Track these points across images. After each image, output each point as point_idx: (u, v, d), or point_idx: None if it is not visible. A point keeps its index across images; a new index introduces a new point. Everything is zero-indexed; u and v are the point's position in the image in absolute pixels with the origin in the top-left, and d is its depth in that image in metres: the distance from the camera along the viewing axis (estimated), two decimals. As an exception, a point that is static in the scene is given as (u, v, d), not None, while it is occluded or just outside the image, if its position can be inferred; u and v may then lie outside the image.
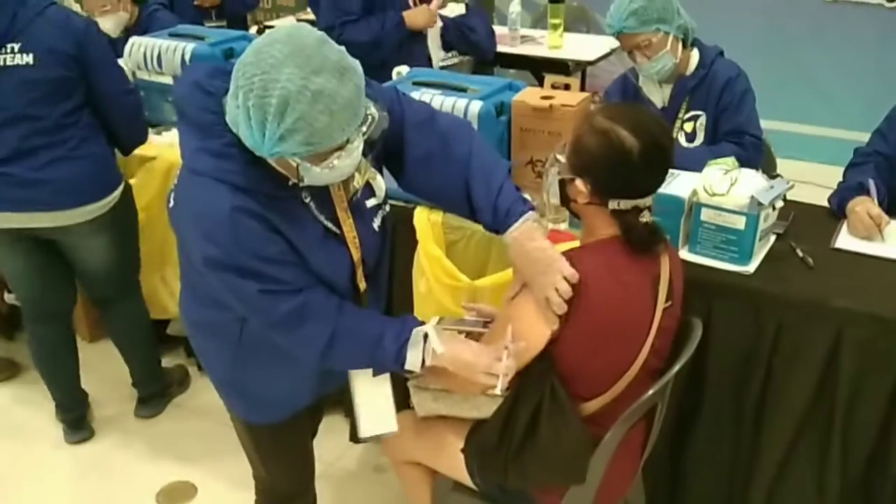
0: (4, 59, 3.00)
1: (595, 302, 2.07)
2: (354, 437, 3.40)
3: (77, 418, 3.71)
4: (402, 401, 2.41)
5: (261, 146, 1.78)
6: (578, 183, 2.13)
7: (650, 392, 2.17)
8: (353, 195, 2.09)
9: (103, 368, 3.92)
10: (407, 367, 2.08)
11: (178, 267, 2.27)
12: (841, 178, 3.07)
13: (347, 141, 1.84)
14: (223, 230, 1.88)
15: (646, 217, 2.14)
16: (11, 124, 3.06)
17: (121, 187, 3.34)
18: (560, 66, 5.17)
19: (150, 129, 3.50)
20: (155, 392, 3.86)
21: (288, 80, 1.71)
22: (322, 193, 2.03)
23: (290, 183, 1.92)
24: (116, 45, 3.92)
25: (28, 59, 3.01)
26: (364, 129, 1.87)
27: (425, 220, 2.91)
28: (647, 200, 2.15)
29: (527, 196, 2.23)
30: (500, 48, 5.16)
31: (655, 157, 2.10)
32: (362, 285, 2.19)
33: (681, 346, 2.29)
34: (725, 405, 2.65)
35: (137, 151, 3.50)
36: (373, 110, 1.89)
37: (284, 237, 1.95)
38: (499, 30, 5.19)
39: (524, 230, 2.13)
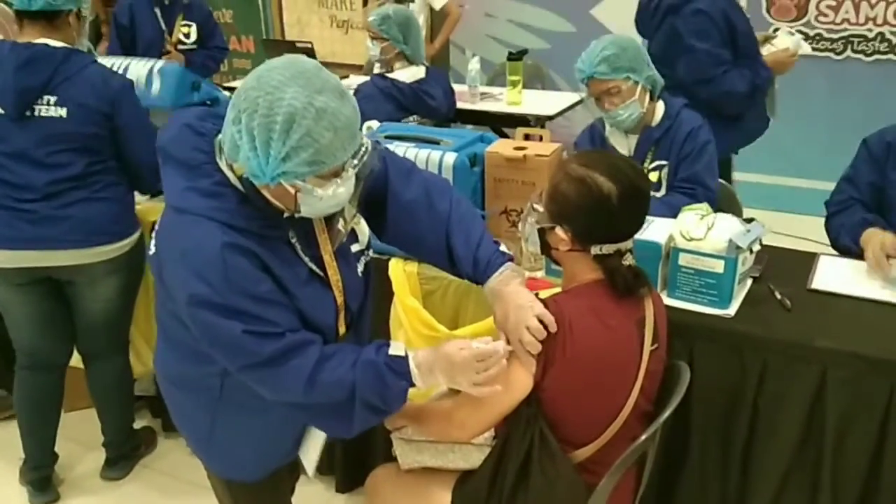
0: (39, 110, 3.05)
1: (581, 345, 2.02)
2: (340, 488, 3.42)
3: (43, 479, 3.55)
4: (385, 453, 2.32)
5: (264, 169, 1.73)
6: (559, 231, 2.10)
7: (642, 438, 2.11)
8: (339, 241, 2.05)
9: (66, 430, 3.73)
10: (392, 352, 1.98)
11: (152, 322, 2.19)
12: (826, 232, 3.11)
13: (344, 168, 1.82)
14: (213, 267, 1.80)
15: (628, 260, 2.12)
16: (40, 168, 3.08)
17: (137, 234, 3.33)
18: (520, 122, 5.12)
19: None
20: (124, 453, 3.72)
21: (293, 98, 1.70)
22: (308, 236, 2.00)
23: (285, 216, 1.88)
24: None
25: (62, 112, 3.06)
26: (356, 160, 1.84)
27: (401, 271, 2.84)
28: (629, 243, 2.12)
29: (504, 248, 2.22)
30: (460, 105, 5.12)
31: (634, 201, 2.08)
32: (342, 329, 2.12)
33: (667, 390, 2.24)
34: (712, 448, 2.59)
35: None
36: (366, 141, 1.87)
37: (274, 276, 1.89)
38: (457, 87, 5.12)
39: (502, 279, 2.12)
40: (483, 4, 6.89)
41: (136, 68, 3.62)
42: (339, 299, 2.07)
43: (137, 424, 3.86)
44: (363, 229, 2.18)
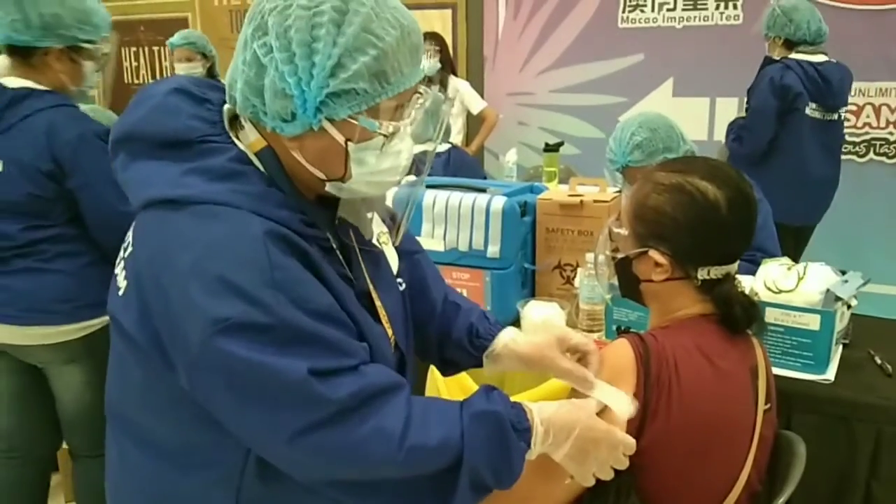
0: None
1: (690, 392, 1.35)
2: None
3: None
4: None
5: (305, 90, 1.04)
6: (654, 255, 1.45)
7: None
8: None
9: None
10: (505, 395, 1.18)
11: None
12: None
13: (407, 104, 1.13)
14: (253, 268, 1.02)
15: (741, 286, 1.47)
16: None
17: (99, 320, 2.34)
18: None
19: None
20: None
21: None
22: (344, 245, 1.23)
23: (325, 187, 1.14)
24: None
25: None
26: (414, 112, 1.14)
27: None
28: (736, 266, 1.48)
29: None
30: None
31: (744, 209, 1.45)
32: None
33: (773, 466, 1.55)
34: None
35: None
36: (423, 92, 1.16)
37: (330, 288, 1.12)
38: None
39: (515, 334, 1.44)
40: (516, 114, 6.44)
41: None
42: (391, 333, 1.29)
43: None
44: (393, 254, 1.43)
